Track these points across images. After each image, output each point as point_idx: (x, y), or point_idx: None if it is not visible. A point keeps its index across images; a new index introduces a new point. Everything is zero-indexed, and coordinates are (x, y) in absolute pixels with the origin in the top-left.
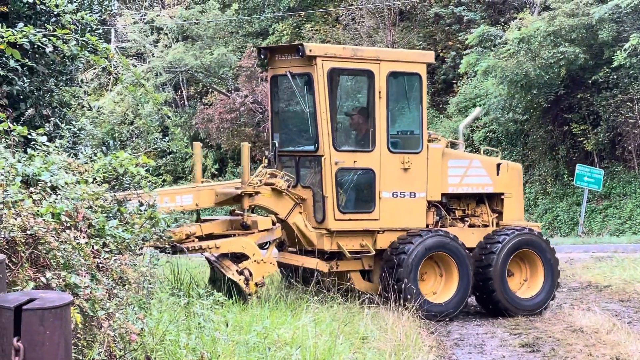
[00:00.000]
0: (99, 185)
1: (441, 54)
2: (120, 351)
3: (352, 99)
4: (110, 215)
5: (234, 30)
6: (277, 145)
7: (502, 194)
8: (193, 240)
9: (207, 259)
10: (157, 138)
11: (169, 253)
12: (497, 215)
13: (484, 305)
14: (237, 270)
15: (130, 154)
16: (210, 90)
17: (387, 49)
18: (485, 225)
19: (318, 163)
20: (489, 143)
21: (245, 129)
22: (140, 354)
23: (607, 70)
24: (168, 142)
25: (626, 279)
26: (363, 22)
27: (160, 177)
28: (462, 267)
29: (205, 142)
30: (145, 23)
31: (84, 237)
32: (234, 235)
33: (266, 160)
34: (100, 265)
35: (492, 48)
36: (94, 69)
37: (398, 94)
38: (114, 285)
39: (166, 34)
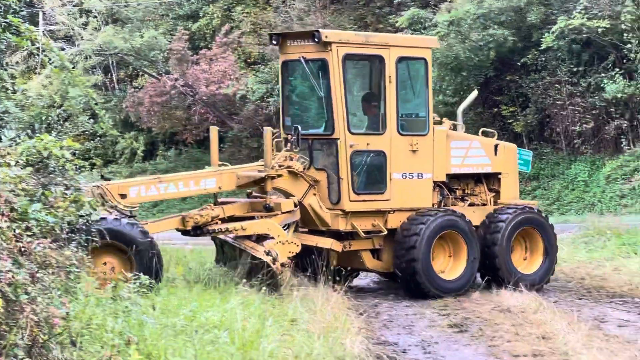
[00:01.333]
0: (22, 168)
1: None
2: (44, 336)
3: (363, 84)
4: (35, 199)
5: (164, 13)
6: (299, 128)
7: (500, 173)
8: (217, 223)
9: (218, 240)
10: (84, 121)
11: (193, 235)
12: (494, 194)
13: (490, 281)
14: (265, 252)
15: (55, 137)
16: (140, 73)
17: (396, 35)
18: (484, 204)
19: (333, 146)
20: None
21: (176, 112)
22: (65, 338)
23: (536, 52)
24: (93, 125)
25: None
26: (294, 4)
27: (89, 160)
28: (471, 245)
29: (135, 126)
30: (74, 5)
31: (5, 221)
32: (256, 217)
33: (288, 144)
34: (23, 249)
35: (423, 31)
36: (23, 51)
37: (405, 78)
38: (37, 269)
39: (95, 17)
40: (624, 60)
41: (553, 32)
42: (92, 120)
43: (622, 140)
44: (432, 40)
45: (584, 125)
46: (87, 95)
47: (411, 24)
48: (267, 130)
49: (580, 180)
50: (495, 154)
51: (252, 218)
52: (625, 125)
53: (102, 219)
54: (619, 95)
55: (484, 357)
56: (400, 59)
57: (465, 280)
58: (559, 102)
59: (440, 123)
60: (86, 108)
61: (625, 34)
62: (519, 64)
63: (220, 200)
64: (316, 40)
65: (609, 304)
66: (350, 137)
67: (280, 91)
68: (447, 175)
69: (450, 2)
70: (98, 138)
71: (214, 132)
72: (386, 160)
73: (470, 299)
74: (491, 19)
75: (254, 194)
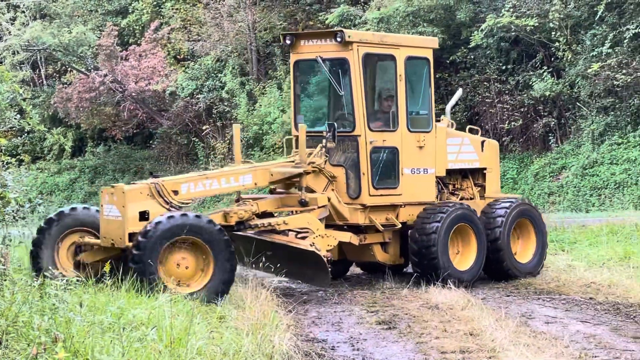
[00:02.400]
0: None
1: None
2: None
3: (379, 81)
4: None
5: (93, 9)
6: (335, 125)
7: (485, 168)
8: (253, 219)
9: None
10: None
11: (236, 231)
12: (479, 188)
13: (493, 273)
14: (309, 244)
15: None
16: (69, 69)
17: (404, 35)
18: (471, 198)
19: (354, 142)
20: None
21: (105, 108)
22: None
23: (465, 50)
24: (20, 121)
25: None
26: (223, 1)
27: (17, 157)
28: (480, 237)
29: (64, 122)
30: (1, 0)
31: None
32: (293, 212)
33: (323, 140)
34: None
35: (352, 28)
36: None
37: (412, 76)
38: None
39: (23, 12)
40: (552, 59)
41: (482, 30)
42: (19, 116)
43: (550, 137)
44: (434, 40)
45: (513, 123)
46: (14, 91)
47: (341, 21)
48: (302, 128)
49: (509, 178)
50: (482, 150)
51: (271, 215)
52: (553, 123)
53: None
54: (547, 93)
55: (412, 354)
56: (408, 58)
57: (476, 270)
58: (487, 100)
59: (438, 121)
60: (14, 104)
61: (553, 33)
62: (448, 61)
63: (244, 196)
64: (339, 39)
65: (536, 301)
66: (370, 134)
67: (292, 90)
68: (445, 170)
69: None
70: (26, 134)
71: (236, 129)
72: (398, 156)
73: (399, 296)
74: (421, 17)
75: (277, 189)
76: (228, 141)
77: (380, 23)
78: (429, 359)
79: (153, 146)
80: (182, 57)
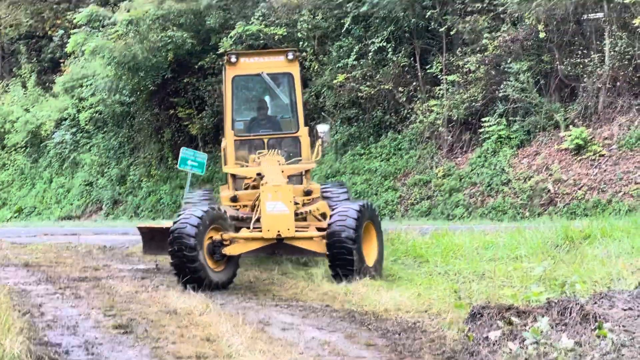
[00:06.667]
0: None
1: (49, 32)
2: None
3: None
4: None
5: None
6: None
7: None
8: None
9: None
10: None
11: None
12: None
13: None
14: None
15: None
16: None
17: None
18: None
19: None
20: (95, 124)
21: None
22: None
23: (214, 56)
24: None
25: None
26: None
27: None
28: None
29: None
30: None
31: None
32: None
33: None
34: None
35: (101, 28)
36: None
37: None
38: None
39: None
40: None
41: (231, 37)
42: None
43: None
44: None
45: None
46: None
47: (90, 21)
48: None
49: None
50: None
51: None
52: None
53: None
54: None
55: (148, 359)
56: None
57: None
58: None
59: None
60: None
61: (301, 43)
62: (197, 67)
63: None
64: (290, 58)
65: (274, 308)
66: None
67: (230, 103)
68: None
69: (130, 1)
70: None
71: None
72: None
73: (138, 299)
74: (171, 21)
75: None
76: None
77: (129, 25)
78: None
79: None
80: None
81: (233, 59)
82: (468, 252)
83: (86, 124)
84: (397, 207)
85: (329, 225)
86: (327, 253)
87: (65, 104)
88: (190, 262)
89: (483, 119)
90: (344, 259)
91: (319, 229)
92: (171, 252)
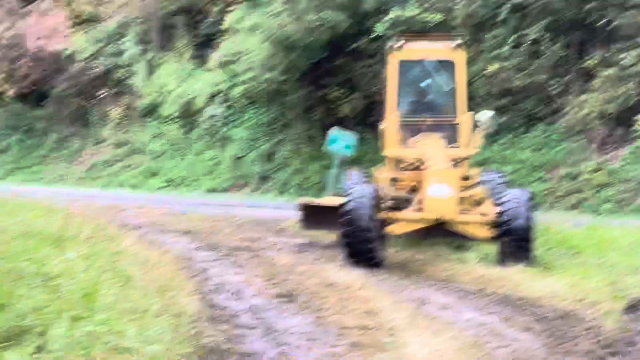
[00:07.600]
0: None
1: (205, 8)
2: None
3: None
4: None
5: None
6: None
7: None
8: None
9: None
10: None
11: None
12: None
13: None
14: None
15: None
16: None
17: None
18: None
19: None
20: (247, 100)
21: (1, 65)
22: None
23: (367, 39)
24: None
25: None
26: None
27: None
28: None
29: None
30: None
31: None
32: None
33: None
34: None
35: (259, 7)
36: None
37: None
38: None
39: None
40: None
41: (385, 22)
42: None
43: None
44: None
45: None
46: None
47: None
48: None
49: None
50: None
51: None
52: None
53: None
54: None
55: (314, 327)
56: None
57: None
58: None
59: None
60: None
61: (455, 30)
62: (350, 49)
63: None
64: (456, 45)
65: (430, 287)
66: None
67: (395, 85)
68: None
69: None
70: None
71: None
72: None
73: (297, 271)
74: (327, 2)
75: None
76: (125, 107)
77: (287, 3)
78: (329, 333)
79: (46, 107)
80: (83, 19)
81: (400, 44)
82: (622, 246)
83: (239, 99)
84: (544, 198)
85: (502, 212)
86: (498, 238)
87: (218, 79)
88: (364, 242)
89: (638, 116)
90: (518, 244)
91: (482, 214)
92: (345, 232)
